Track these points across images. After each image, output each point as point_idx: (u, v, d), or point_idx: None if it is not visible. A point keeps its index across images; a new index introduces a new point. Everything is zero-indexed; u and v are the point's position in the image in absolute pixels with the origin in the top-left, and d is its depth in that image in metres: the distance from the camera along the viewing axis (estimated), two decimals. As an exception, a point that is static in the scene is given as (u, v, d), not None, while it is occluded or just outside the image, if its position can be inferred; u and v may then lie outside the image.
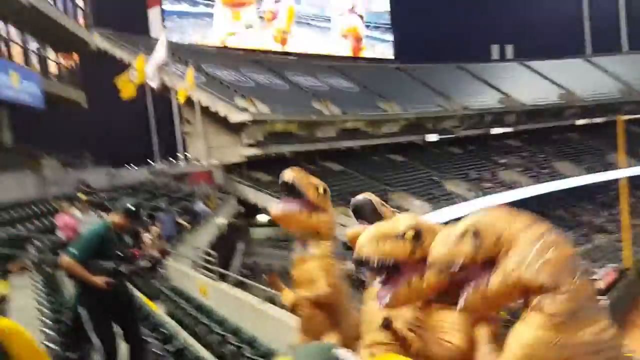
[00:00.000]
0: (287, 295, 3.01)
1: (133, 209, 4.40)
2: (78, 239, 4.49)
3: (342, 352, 1.44)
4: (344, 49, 50.38)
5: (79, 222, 8.27)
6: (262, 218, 31.25)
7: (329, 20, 49.23)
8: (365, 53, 52.07)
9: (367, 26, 52.14)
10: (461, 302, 1.72)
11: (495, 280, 1.65)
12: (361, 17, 51.08)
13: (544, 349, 1.58)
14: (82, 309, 4.17)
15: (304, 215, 2.95)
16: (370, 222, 2.28)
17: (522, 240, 1.67)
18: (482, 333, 1.99)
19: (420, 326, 2.09)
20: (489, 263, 1.66)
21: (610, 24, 59.83)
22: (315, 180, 3.11)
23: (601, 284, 27.80)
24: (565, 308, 1.57)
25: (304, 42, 46.85)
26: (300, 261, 3.02)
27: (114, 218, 4.39)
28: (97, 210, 9.08)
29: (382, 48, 53.57)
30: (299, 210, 2.95)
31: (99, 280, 4.09)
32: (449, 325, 2.08)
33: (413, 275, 1.93)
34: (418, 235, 1.94)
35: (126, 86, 24.21)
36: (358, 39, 51.17)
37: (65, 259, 4.20)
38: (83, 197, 9.16)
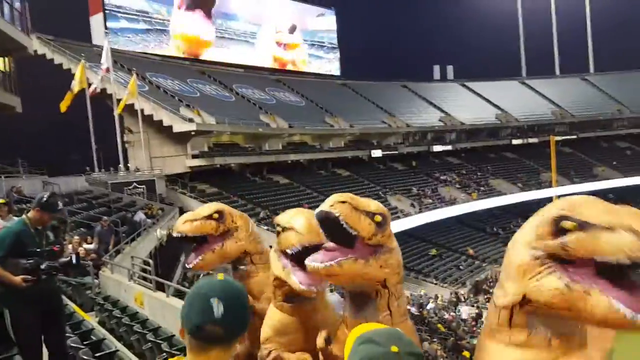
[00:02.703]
0: None
1: (45, 199, 4.21)
2: None
3: None
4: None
5: (-1, 227, 7.83)
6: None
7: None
8: (311, 70, 52.80)
9: (312, 45, 53.05)
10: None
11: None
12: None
13: None
14: (4, 308, 4.11)
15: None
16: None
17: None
18: None
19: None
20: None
21: (544, 49, 63.53)
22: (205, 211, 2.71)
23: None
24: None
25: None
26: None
27: (32, 214, 4.20)
28: (18, 217, 8.69)
29: (328, 66, 54.51)
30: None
31: (17, 279, 3.98)
32: None
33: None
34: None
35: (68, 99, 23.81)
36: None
37: None
38: (2, 200, 8.72)
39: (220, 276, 1.45)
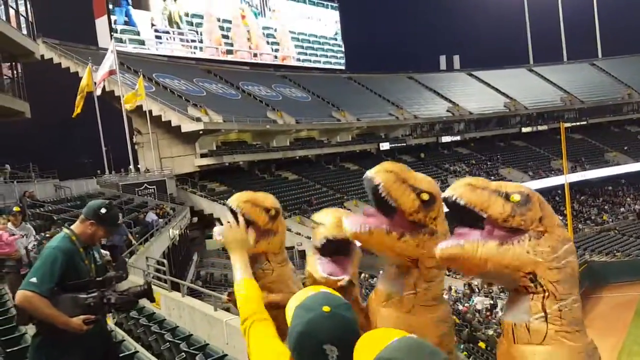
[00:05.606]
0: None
1: (104, 211, 3.09)
2: (36, 264, 2.97)
3: None
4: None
5: (12, 235, 7.76)
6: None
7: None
8: (317, 64, 52.90)
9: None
10: (448, 244, 1.57)
11: (510, 249, 1.51)
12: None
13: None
14: (43, 357, 2.92)
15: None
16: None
17: (556, 233, 1.54)
18: None
19: None
20: (509, 231, 1.53)
21: (551, 35, 62.91)
22: (267, 202, 2.47)
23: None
24: (575, 318, 1.53)
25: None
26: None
27: (80, 227, 3.08)
28: (32, 221, 8.62)
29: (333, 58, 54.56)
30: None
31: (75, 322, 2.77)
32: None
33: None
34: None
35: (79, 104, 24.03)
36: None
37: (23, 294, 2.77)
38: (17, 208, 8.52)
39: (326, 309, 1.33)
